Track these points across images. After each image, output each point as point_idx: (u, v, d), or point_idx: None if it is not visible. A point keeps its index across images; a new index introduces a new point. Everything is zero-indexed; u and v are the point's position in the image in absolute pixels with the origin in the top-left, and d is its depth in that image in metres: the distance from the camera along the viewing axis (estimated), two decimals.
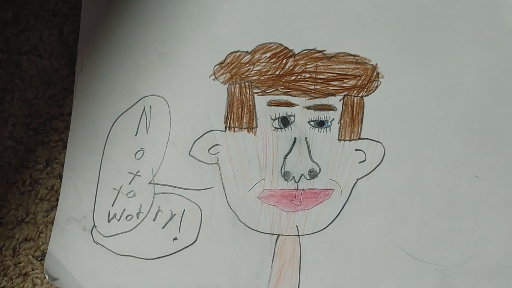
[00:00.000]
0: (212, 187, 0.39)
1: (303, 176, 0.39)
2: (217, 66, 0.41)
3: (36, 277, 0.39)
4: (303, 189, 0.39)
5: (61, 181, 0.41)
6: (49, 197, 0.41)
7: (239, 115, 0.40)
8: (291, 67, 0.41)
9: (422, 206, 0.39)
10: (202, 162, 0.40)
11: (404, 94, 0.40)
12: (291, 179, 0.39)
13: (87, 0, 0.43)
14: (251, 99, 0.40)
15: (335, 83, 0.40)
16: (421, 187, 0.39)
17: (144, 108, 0.41)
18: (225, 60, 0.41)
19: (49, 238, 0.40)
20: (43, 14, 0.45)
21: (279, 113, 0.40)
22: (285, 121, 0.40)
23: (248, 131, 0.40)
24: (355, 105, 0.40)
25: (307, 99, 0.40)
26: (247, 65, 0.41)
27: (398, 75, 0.41)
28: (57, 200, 0.40)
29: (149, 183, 0.40)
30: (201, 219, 0.39)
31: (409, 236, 0.38)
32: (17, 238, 0.40)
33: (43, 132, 0.42)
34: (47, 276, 0.38)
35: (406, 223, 0.38)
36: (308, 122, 0.40)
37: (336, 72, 0.41)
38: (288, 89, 0.40)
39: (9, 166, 0.41)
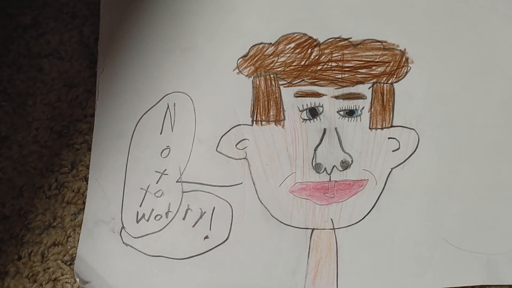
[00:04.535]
0: (241, 183, 0.37)
1: (335, 167, 0.37)
2: (241, 59, 0.39)
3: (66, 282, 0.37)
4: (336, 181, 0.37)
5: (87, 183, 0.39)
6: (76, 200, 0.39)
7: (265, 108, 0.38)
8: (317, 57, 0.39)
9: (462, 193, 0.36)
10: (230, 157, 0.38)
11: (436, 78, 0.38)
12: (323, 171, 0.37)
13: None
14: (277, 91, 0.38)
15: (363, 70, 0.38)
16: (460, 174, 0.36)
17: (168, 106, 0.39)
18: (248, 53, 0.39)
19: (78, 242, 0.38)
20: (62, 16, 0.43)
21: (306, 104, 0.38)
22: (313, 112, 0.38)
23: (275, 124, 0.38)
24: (385, 92, 0.38)
25: (335, 89, 0.38)
26: (271, 57, 0.39)
27: (428, 59, 0.38)
28: (84, 203, 0.39)
29: (177, 182, 0.38)
30: (232, 216, 0.37)
31: (451, 225, 0.36)
32: (45, 243, 0.39)
33: (67, 135, 0.41)
34: (78, 280, 0.36)
35: (446, 212, 0.36)
36: (337, 112, 0.38)
37: (363, 59, 0.38)
38: (315, 79, 0.38)
39: (35, 170, 0.40)
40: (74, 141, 0.40)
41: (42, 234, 0.39)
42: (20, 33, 0.43)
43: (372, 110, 0.38)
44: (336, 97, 0.38)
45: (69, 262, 0.38)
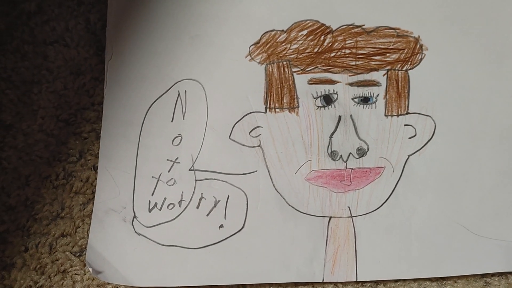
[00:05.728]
0: (256, 171, 0.36)
1: (351, 155, 0.36)
2: (253, 46, 0.38)
3: (76, 274, 0.36)
4: (352, 168, 0.36)
5: (96, 172, 0.38)
6: (85, 190, 0.38)
7: (279, 95, 0.37)
8: (330, 44, 0.38)
9: (479, 179, 0.35)
10: (243, 145, 0.37)
11: (450, 65, 0.37)
12: (338, 159, 0.36)
13: None
14: (290, 78, 0.37)
15: (377, 57, 0.37)
16: (477, 160, 0.36)
17: (179, 93, 0.38)
18: (260, 40, 0.38)
19: (87, 232, 0.37)
20: (67, 3, 0.42)
21: (321, 91, 0.37)
22: (327, 99, 0.37)
23: (289, 111, 0.37)
24: (399, 79, 0.37)
25: (349, 76, 0.37)
26: (283, 44, 0.38)
27: (442, 46, 0.38)
28: (93, 192, 0.37)
29: (189, 170, 0.37)
30: (247, 204, 0.36)
31: (469, 211, 0.35)
32: (53, 234, 0.37)
33: (74, 123, 0.39)
34: (90, 269, 0.35)
35: (464, 198, 0.35)
36: (352, 99, 0.37)
37: (377, 46, 0.38)
38: (329, 66, 0.37)
39: (41, 159, 0.39)
40: (82, 129, 0.39)
41: (50, 225, 0.37)
42: (24, 20, 0.42)
43: (387, 97, 0.37)
44: (351, 84, 0.37)
45: (78, 254, 0.37)
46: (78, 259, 0.36)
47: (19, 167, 0.38)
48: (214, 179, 0.36)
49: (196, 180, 0.36)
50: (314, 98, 0.37)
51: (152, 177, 0.36)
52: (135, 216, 0.36)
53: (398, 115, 0.37)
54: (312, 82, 0.37)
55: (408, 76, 0.37)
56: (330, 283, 0.35)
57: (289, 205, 0.36)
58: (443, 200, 0.35)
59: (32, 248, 0.37)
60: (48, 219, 0.37)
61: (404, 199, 0.35)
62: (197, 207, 0.36)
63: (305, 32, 0.38)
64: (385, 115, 0.37)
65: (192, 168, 0.36)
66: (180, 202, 0.36)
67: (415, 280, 0.35)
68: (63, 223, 0.37)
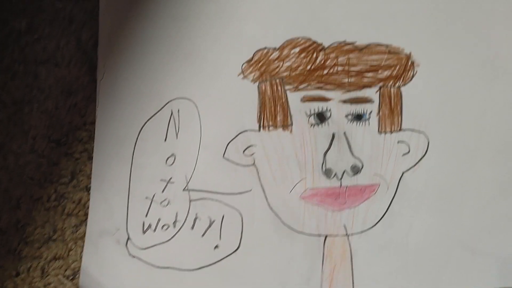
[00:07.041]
0: (250, 190, 0.36)
1: (345, 172, 0.36)
2: (245, 64, 0.38)
3: None
4: (347, 186, 0.36)
5: (88, 193, 0.37)
6: (77, 211, 0.37)
7: (272, 114, 0.37)
8: (322, 61, 0.38)
9: (474, 195, 0.35)
10: (237, 164, 0.36)
11: (443, 80, 0.37)
12: (333, 177, 0.36)
13: (105, 3, 0.40)
14: (283, 96, 0.37)
15: (370, 74, 0.37)
16: (472, 176, 0.36)
17: (172, 112, 0.37)
18: (252, 57, 0.38)
19: (80, 255, 0.36)
20: (58, 21, 0.41)
21: (314, 109, 0.37)
22: (321, 117, 0.37)
23: (283, 129, 0.37)
24: (392, 95, 0.37)
25: (342, 93, 0.37)
26: (276, 61, 0.38)
27: (434, 62, 0.38)
28: (86, 214, 0.37)
29: (183, 190, 0.36)
30: (242, 224, 0.35)
31: (465, 228, 0.35)
32: (45, 257, 0.36)
33: (66, 144, 0.39)
34: None
35: (460, 214, 0.35)
36: (345, 116, 0.37)
37: (369, 63, 0.37)
38: (321, 83, 0.37)
39: (32, 181, 0.38)
40: (74, 150, 0.38)
41: (42, 248, 0.36)
42: (15, 38, 0.41)
43: (381, 114, 0.37)
44: (344, 102, 0.37)
45: (71, 277, 0.36)
46: (71, 283, 0.35)
47: (9, 188, 0.37)
48: (209, 198, 0.36)
49: (190, 200, 0.36)
50: (308, 116, 0.37)
51: (146, 197, 0.36)
52: (129, 238, 0.35)
53: (391, 132, 0.36)
54: (305, 99, 0.37)
55: (401, 92, 0.37)
56: None
57: (285, 224, 0.35)
58: (438, 217, 0.35)
59: (23, 272, 0.36)
60: (40, 242, 0.36)
61: (399, 216, 0.35)
62: (192, 228, 0.35)
63: (297, 49, 0.38)
64: (379, 132, 0.36)
65: (186, 188, 0.36)
66: (174, 223, 0.35)
67: None
68: (55, 246, 0.36)
